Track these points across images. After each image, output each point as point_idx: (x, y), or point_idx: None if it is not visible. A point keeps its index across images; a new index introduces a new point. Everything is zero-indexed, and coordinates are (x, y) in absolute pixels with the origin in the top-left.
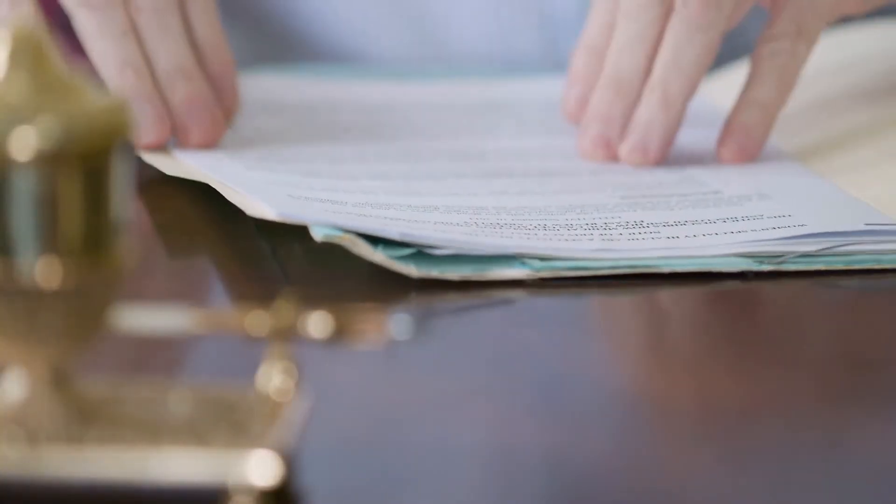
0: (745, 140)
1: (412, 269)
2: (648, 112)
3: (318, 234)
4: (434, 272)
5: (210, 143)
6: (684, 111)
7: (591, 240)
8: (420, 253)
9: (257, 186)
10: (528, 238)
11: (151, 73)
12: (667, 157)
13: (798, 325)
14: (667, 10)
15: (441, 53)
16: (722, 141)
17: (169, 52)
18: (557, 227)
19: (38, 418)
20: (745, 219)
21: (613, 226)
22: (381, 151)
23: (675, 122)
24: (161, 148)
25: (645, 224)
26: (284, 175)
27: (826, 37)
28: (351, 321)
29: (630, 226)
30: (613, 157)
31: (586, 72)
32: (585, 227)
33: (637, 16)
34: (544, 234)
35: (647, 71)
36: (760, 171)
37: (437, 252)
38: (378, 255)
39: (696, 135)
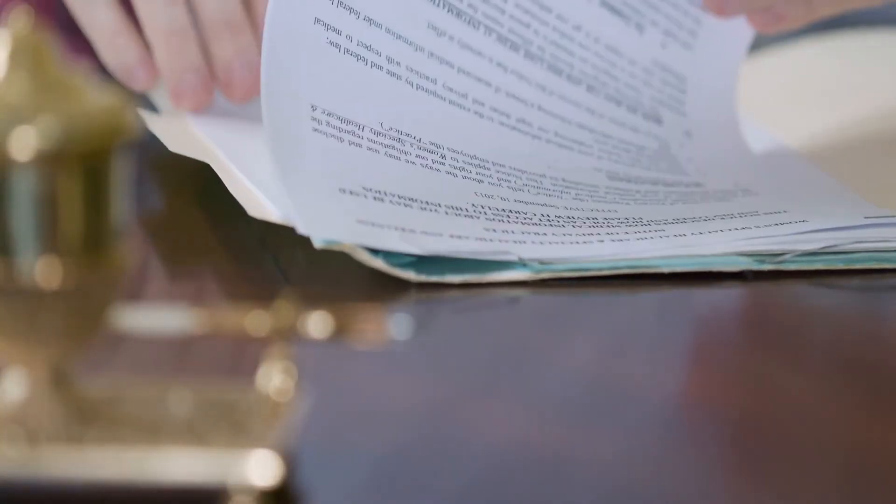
0: (776, 17)
1: (412, 275)
2: None
3: (318, 243)
4: (434, 277)
5: (250, 98)
6: None
7: (602, 241)
8: (420, 258)
9: (262, 180)
10: (541, 241)
11: (195, 25)
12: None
13: (798, 325)
14: None
15: None
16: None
17: (216, 2)
18: (561, 221)
19: (38, 418)
20: (742, 215)
21: (615, 222)
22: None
23: None
24: (200, 111)
25: (645, 221)
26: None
27: (835, 49)
28: (351, 321)
29: (632, 223)
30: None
31: None
32: (589, 223)
33: None
34: (552, 234)
35: None
36: (734, 151)
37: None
38: (378, 263)
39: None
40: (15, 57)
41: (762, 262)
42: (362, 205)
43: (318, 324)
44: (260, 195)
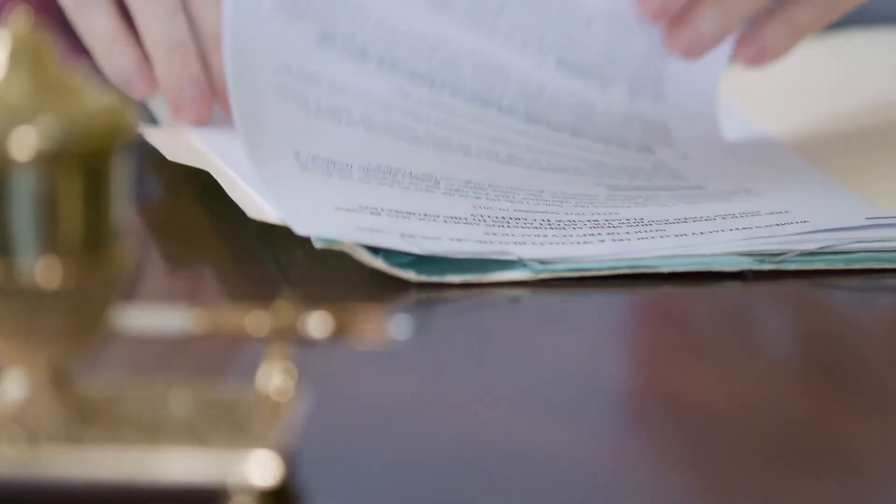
0: (762, 49)
1: (412, 275)
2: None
3: (318, 242)
4: (434, 277)
5: None
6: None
7: (602, 241)
8: (420, 258)
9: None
10: (541, 242)
11: (195, 37)
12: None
13: (798, 325)
14: None
15: None
16: (739, 43)
17: (216, 15)
18: (561, 224)
19: (38, 418)
20: (744, 215)
21: (616, 223)
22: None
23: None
24: (199, 123)
25: (647, 221)
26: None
27: (830, 45)
28: (351, 321)
29: (633, 223)
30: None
31: None
32: (590, 224)
33: None
34: (553, 236)
35: None
36: (733, 158)
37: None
38: (378, 263)
39: (659, 112)
40: (15, 57)
41: (762, 261)
42: (360, 218)
43: (318, 324)
44: (259, 199)
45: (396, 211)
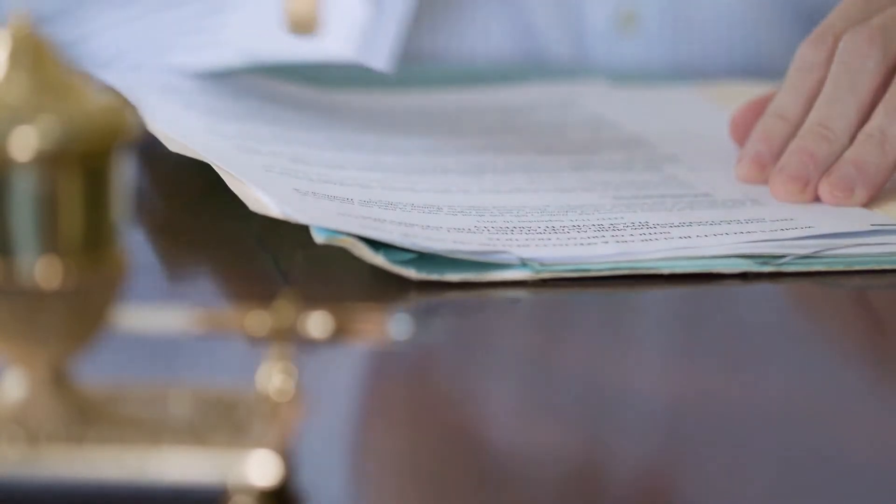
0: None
1: (412, 273)
2: (860, 152)
3: (319, 238)
4: (434, 275)
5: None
6: None
7: (606, 242)
8: (421, 256)
9: (261, 177)
10: (545, 245)
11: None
12: (873, 200)
13: (798, 325)
14: (887, 69)
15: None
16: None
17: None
18: (566, 229)
19: (38, 418)
20: (749, 221)
21: (621, 227)
22: (353, 140)
23: (889, 168)
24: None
25: (651, 225)
26: (271, 158)
27: None
28: (351, 321)
29: (638, 226)
30: (810, 198)
31: (772, 133)
32: (594, 228)
33: (855, 69)
34: (557, 239)
35: (859, 123)
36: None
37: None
38: (378, 259)
39: (672, 129)
40: (15, 57)
41: (764, 264)
42: (363, 222)
43: (318, 324)
44: (260, 193)
45: (399, 223)
